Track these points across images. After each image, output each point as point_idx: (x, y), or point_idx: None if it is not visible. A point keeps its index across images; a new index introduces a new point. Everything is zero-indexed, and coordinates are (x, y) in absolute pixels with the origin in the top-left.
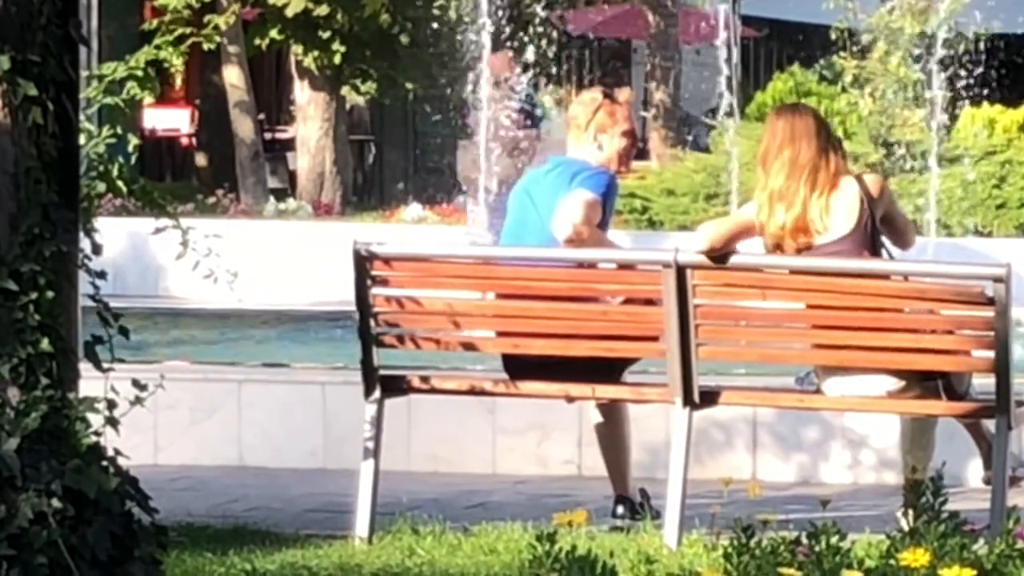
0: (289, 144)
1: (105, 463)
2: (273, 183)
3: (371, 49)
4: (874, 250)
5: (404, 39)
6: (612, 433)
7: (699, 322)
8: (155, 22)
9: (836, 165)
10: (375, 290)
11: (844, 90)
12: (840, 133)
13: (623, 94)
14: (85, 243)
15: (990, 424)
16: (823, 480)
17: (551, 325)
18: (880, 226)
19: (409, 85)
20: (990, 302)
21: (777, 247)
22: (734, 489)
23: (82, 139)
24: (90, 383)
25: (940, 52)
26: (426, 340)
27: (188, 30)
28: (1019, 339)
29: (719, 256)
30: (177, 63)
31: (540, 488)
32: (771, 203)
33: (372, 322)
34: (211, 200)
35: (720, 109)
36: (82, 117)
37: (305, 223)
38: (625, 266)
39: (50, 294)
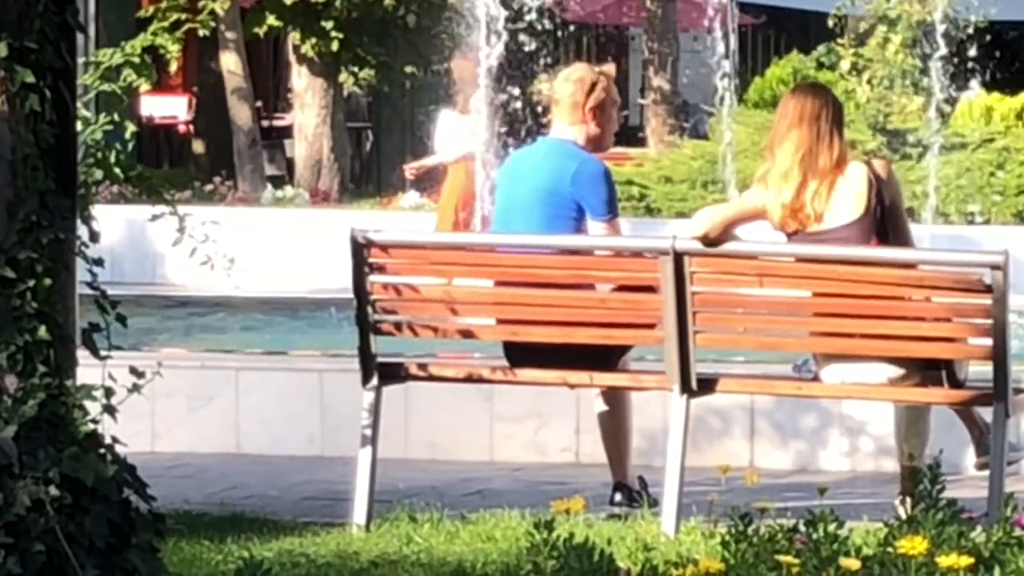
0: (286, 131)
1: (103, 451)
2: (270, 170)
3: (369, 36)
4: (883, 237)
5: (410, 20)
6: (615, 421)
7: (697, 309)
8: (152, 9)
9: (840, 151)
10: (372, 277)
11: (842, 77)
12: None
13: (610, 68)
14: (82, 230)
15: (982, 410)
16: (821, 468)
17: (549, 312)
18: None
19: (408, 70)
20: (988, 289)
21: (781, 229)
22: (732, 477)
23: (79, 126)
24: (87, 371)
25: (938, 39)
26: (423, 327)
27: (183, 16)
28: (1016, 327)
29: (715, 242)
30: (173, 49)
31: (538, 475)
32: (776, 183)
33: (370, 309)
34: (208, 187)
35: (718, 96)
36: (79, 104)
37: (302, 210)
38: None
39: (47, 282)
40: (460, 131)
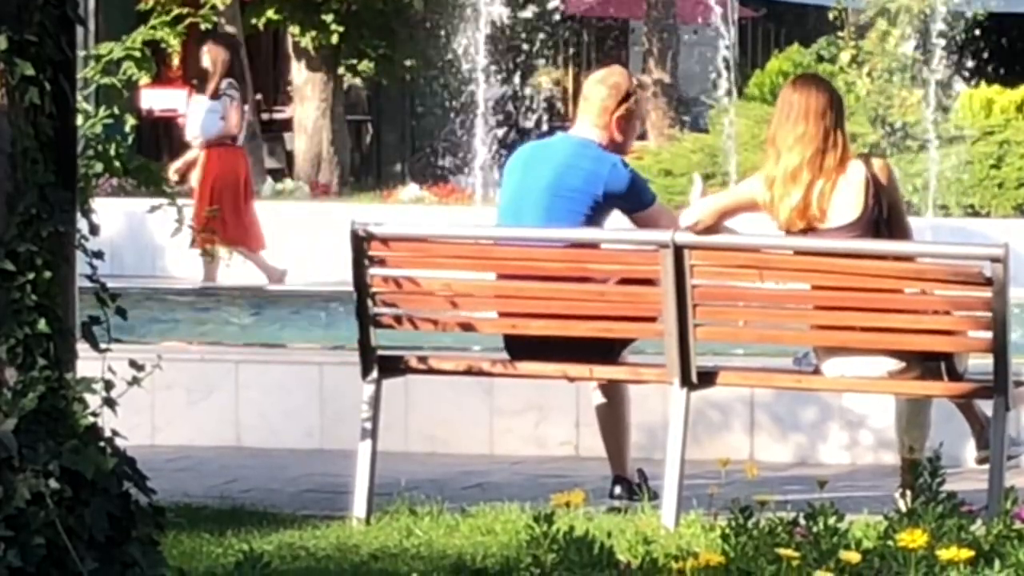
0: (287, 125)
1: (102, 444)
2: (271, 164)
3: (369, 29)
4: (880, 238)
5: (418, 4)
6: (613, 414)
7: (697, 303)
8: (152, 2)
9: (844, 149)
10: (372, 270)
11: (842, 70)
12: None
13: (647, 80)
14: (82, 223)
15: (982, 404)
16: (821, 461)
17: (549, 305)
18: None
19: (408, 63)
20: (988, 282)
21: (787, 230)
22: (732, 470)
23: (79, 119)
24: (87, 364)
25: (938, 32)
26: (423, 320)
27: (184, 10)
28: (1017, 319)
29: (707, 230)
30: (174, 43)
31: (538, 469)
32: (784, 183)
33: (370, 302)
34: None
35: (718, 89)
36: (79, 97)
37: (302, 204)
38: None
39: (47, 274)
40: (209, 116)
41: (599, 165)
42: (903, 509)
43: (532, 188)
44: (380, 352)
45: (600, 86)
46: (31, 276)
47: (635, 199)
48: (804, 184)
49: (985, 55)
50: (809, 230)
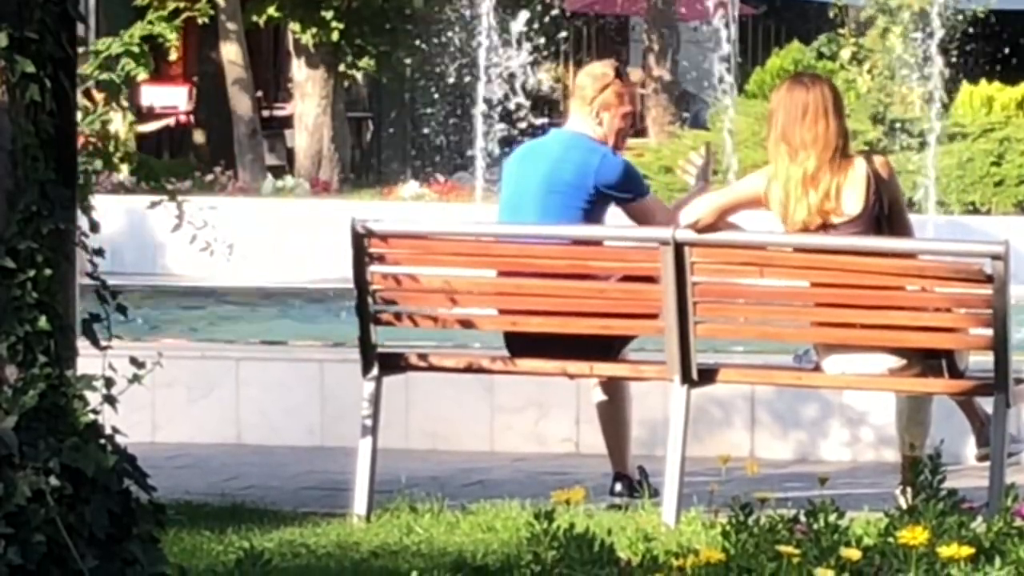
0: (287, 121)
1: (103, 441)
2: (271, 160)
3: (369, 26)
4: (881, 233)
5: (417, 2)
6: (614, 411)
7: (697, 300)
8: None
9: (848, 145)
10: (373, 267)
11: (843, 67)
12: None
13: (635, 74)
14: (82, 220)
15: (983, 401)
16: (821, 458)
17: (549, 302)
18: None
19: (408, 60)
20: (988, 279)
21: (803, 228)
22: (732, 467)
23: (79, 116)
24: (88, 361)
25: (939, 29)
26: (424, 317)
27: (181, 4)
28: (1017, 317)
29: (707, 228)
30: (172, 38)
31: (538, 466)
32: (803, 183)
33: (370, 299)
34: (209, 177)
35: (718, 87)
36: (79, 94)
37: (303, 200)
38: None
39: (48, 272)
40: None
41: (589, 156)
42: (904, 506)
43: (528, 185)
44: (380, 349)
45: (583, 78)
46: (31, 273)
47: (627, 189)
48: (823, 183)
49: (985, 52)
50: (824, 226)
